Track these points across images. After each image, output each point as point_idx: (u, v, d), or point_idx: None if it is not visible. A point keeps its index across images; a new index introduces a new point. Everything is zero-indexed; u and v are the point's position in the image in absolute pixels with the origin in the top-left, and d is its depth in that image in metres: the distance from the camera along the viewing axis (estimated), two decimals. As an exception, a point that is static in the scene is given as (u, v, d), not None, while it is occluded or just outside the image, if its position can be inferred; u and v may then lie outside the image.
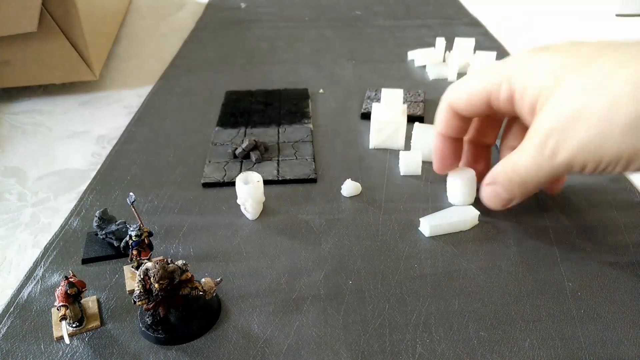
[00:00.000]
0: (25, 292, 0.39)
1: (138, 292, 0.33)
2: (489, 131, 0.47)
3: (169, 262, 0.34)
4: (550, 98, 0.34)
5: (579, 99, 0.33)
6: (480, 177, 0.45)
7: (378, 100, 0.66)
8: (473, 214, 0.45)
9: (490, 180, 0.41)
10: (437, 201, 0.49)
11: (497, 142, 0.50)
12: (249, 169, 0.53)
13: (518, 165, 0.38)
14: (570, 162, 0.34)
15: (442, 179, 0.50)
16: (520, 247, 0.43)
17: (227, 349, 0.34)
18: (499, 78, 0.39)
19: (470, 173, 0.47)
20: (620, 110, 0.31)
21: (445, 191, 0.49)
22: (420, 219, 0.45)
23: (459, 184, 0.47)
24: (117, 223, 0.43)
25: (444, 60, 0.82)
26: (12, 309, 0.38)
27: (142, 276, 0.33)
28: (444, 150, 0.46)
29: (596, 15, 1.14)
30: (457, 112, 0.43)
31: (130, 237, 0.38)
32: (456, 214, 0.46)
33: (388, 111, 0.57)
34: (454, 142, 0.46)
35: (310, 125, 0.63)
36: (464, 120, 0.44)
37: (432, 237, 0.44)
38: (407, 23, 1.03)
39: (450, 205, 0.48)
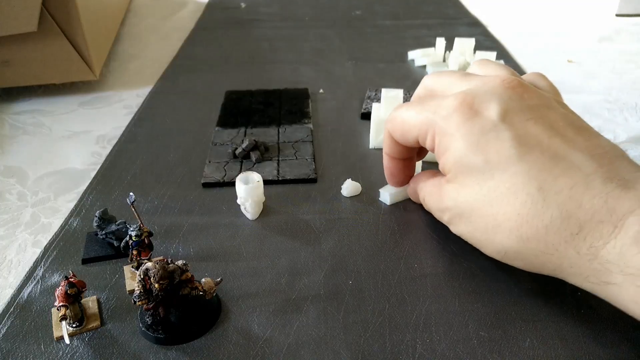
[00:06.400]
0: (25, 292, 0.39)
1: (138, 292, 0.33)
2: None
3: (169, 262, 0.34)
4: (460, 179, 0.36)
5: (477, 199, 0.35)
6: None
7: (378, 100, 0.66)
8: None
9: (412, 181, 0.46)
10: (437, 201, 0.49)
11: None
12: (249, 169, 0.53)
13: (427, 199, 0.42)
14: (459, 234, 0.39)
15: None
16: (520, 247, 0.43)
17: (227, 349, 0.34)
18: (426, 122, 0.38)
19: None
20: (504, 225, 0.33)
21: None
22: (380, 190, 0.49)
23: None
24: (117, 223, 0.43)
25: (444, 60, 0.82)
26: (12, 309, 0.38)
27: (142, 276, 0.33)
28: (392, 168, 0.46)
29: (596, 15, 1.14)
30: (396, 140, 0.42)
31: (130, 237, 0.38)
32: None
33: (388, 111, 0.57)
34: (402, 162, 0.45)
35: (310, 125, 0.63)
36: (404, 146, 0.43)
37: (432, 237, 0.44)
38: (407, 23, 1.03)
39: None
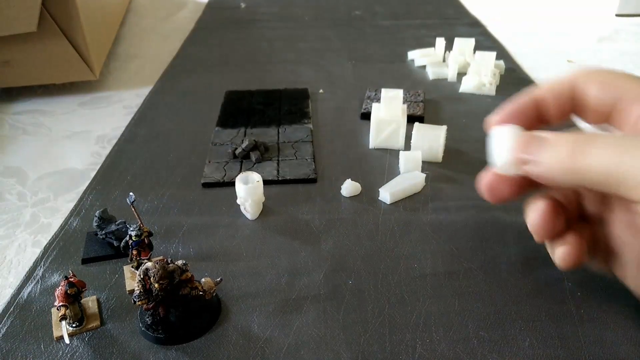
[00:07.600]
0: (25, 292, 0.39)
1: (138, 292, 0.33)
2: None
3: (169, 262, 0.34)
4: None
5: None
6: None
7: (378, 100, 0.66)
8: (420, 177, 0.50)
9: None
10: (437, 200, 0.49)
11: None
12: (249, 169, 0.53)
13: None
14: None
15: (442, 179, 0.50)
16: (520, 247, 0.43)
17: (227, 349, 0.34)
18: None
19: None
20: None
21: (445, 190, 0.49)
22: (380, 189, 0.49)
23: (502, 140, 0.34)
24: (117, 223, 0.43)
25: (443, 60, 0.82)
26: (12, 309, 0.38)
27: (142, 276, 0.33)
28: (497, 183, 0.33)
29: (596, 15, 1.14)
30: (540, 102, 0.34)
31: (130, 237, 0.38)
32: (407, 180, 0.50)
33: (388, 111, 0.57)
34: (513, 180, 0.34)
35: (310, 125, 0.63)
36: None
37: (432, 237, 0.44)
38: (407, 23, 1.03)
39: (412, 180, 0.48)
